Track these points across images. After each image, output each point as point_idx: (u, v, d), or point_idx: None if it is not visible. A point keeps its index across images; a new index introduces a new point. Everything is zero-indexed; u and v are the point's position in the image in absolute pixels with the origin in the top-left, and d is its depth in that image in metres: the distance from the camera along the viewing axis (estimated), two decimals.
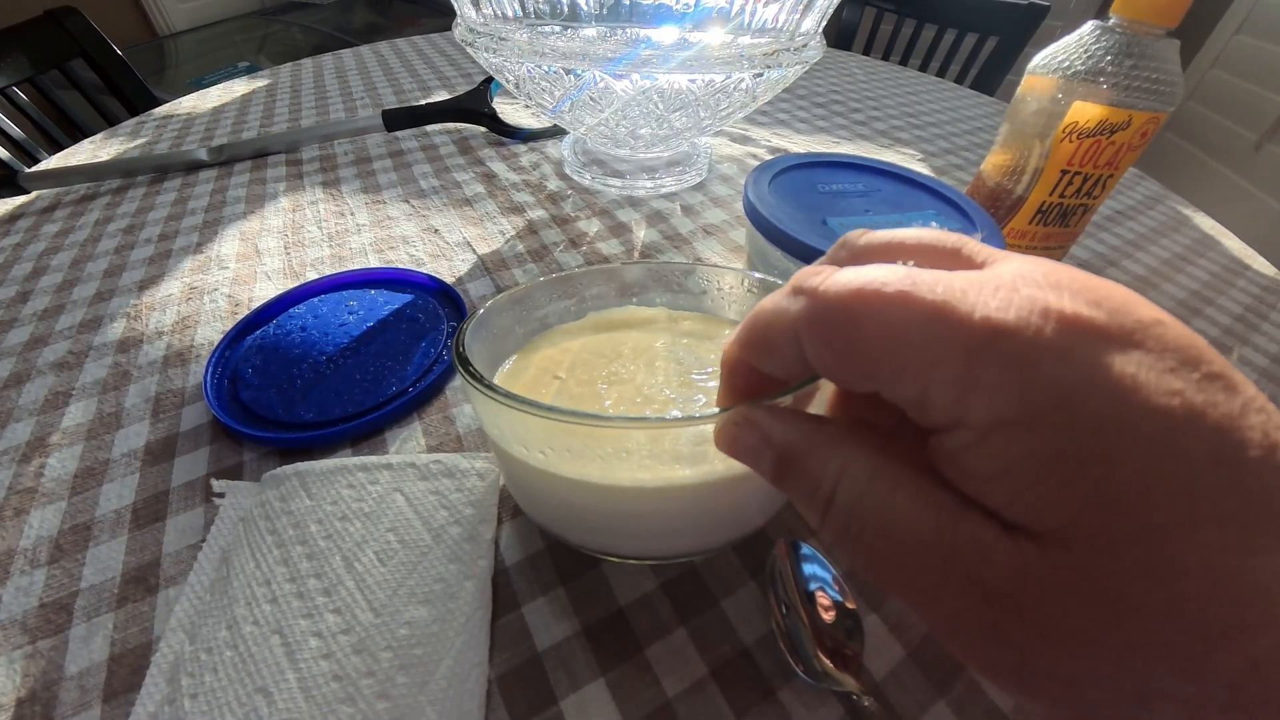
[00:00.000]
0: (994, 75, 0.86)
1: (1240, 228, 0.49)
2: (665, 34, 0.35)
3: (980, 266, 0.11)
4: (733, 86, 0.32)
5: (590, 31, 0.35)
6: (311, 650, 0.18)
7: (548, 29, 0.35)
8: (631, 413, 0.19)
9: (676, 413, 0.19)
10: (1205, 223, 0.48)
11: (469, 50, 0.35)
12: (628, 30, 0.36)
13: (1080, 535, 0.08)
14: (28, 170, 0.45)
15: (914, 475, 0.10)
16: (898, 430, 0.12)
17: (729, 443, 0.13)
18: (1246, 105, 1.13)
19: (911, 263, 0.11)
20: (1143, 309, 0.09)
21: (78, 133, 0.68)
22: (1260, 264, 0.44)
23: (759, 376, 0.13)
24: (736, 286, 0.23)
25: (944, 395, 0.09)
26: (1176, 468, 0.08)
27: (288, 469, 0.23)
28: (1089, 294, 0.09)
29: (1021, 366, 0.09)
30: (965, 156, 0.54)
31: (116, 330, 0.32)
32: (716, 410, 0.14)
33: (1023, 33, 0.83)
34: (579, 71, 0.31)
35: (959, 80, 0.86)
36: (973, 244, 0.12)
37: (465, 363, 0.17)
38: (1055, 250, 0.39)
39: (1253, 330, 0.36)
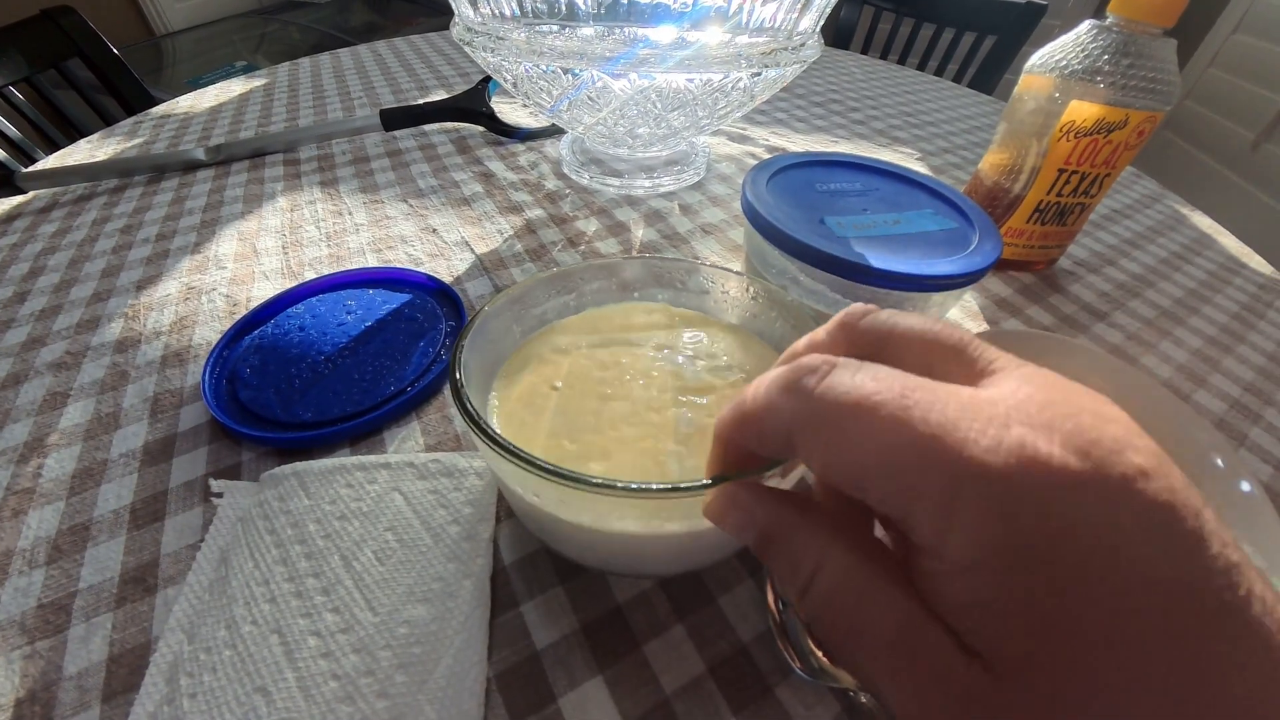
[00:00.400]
0: (992, 74, 0.86)
1: (1237, 226, 0.50)
2: (663, 33, 0.35)
3: (980, 374, 0.11)
4: (731, 86, 0.32)
5: (588, 30, 0.35)
6: (310, 649, 0.18)
7: (545, 28, 0.35)
8: (628, 436, 0.19)
9: (673, 467, 0.19)
10: (1202, 221, 0.49)
11: (467, 50, 0.35)
12: (625, 30, 0.36)
13: (1037, 676, 0.09)
14: (24, 170, 0.45)
15: (886, 578, 0.11)
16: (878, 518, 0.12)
17: (716, 516, 0.13)
18: (1244, 104, 1.13)
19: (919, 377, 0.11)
20: (1131, 456, 0.09)
21: (74, 132, 0.68)
22: (1257, 262, 0.44)
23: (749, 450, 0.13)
24: (740, 292, 0.23)
25: (926, 525, 0.10)
26: (1136, 632, 0.08)
27: (286, 469, 0.23)
28: (1080, 438, 0.09)
29: (1002, 513, 0.09)
30: (963, 155, 0.54)
31: (114, 330, 0.32)
32: (706, 483, 0.14)
33: (1020, 32, 0.83)
34: (577, 71, 0.31)
35: (956, 79, 0.86)
36: (975, 345, 0.12)
37: (463, 401, 0.17)
38: (1053, 249, 0.39)
39: (1249, 329, 0.37)
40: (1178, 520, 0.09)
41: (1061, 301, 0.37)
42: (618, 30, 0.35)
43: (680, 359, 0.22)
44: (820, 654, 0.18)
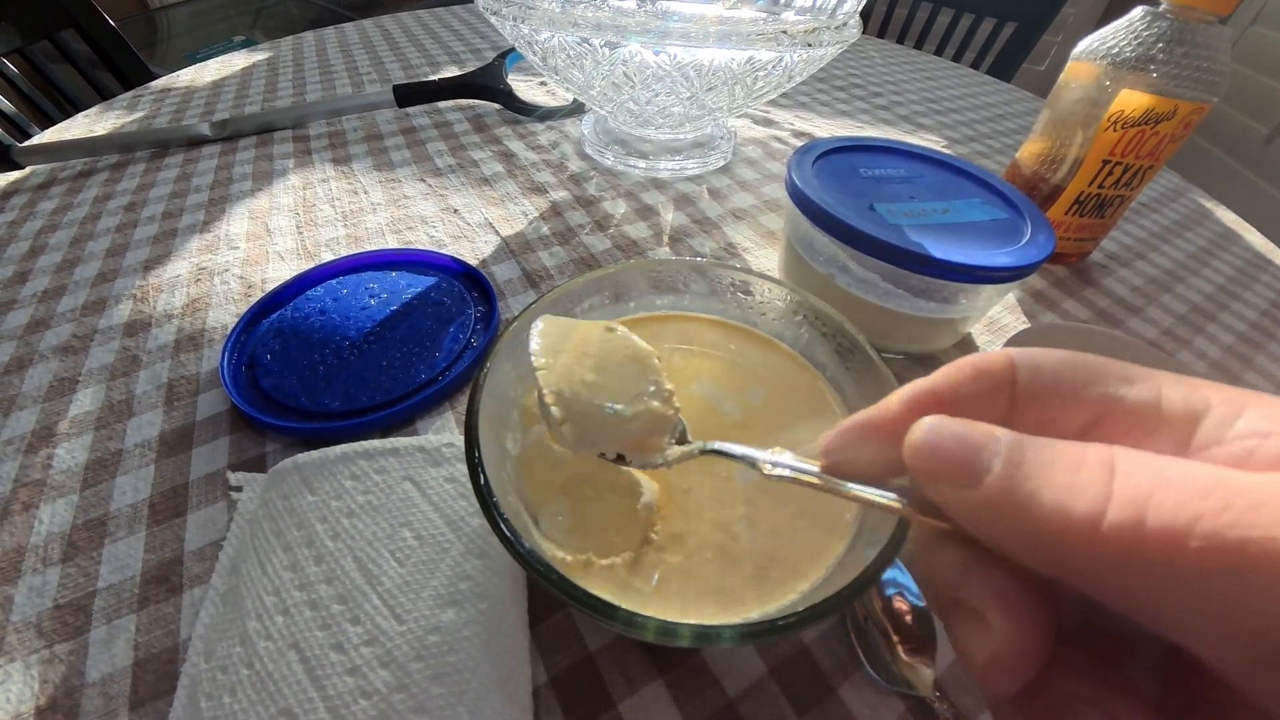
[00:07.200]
0: (1010, 62, 0.84)
1: (1250, 222, 0.49)
2: (703, 7, 0.33)
3: (1192, 422, 0.08)
4: (772, 65, 0.31)
5: (621, 3, 0.33)
6: (334, 665, 0.17)
7: None
8: (693, 506, 0.18)
9: (746, 538, 0.17)
10: (1226, 216, 0.48)
11: (493, 20, 0.33)
12: (659, 4, 0.34)
13: None
14: (21, 145, 0.43)
15: None
16: None
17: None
18: (1259, 98, 1.10)
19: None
20: None
21: (70, 108, 0.66)
22: None
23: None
24: (784, 307, 0.22)
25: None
26: None
27: (287, 462, 0.22)
28: None
29: None
30: (989, 144, 0.53)
31: (123, 313, 0.31)
32: (798, 617, 0.13)
33: (1040, 18, 0.81)
34: (615, 44, 0.29)
35: (973, 66, 0.85)
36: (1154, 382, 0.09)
37: (496, 519, 0.14)
38: (1088, 241, 0.38)
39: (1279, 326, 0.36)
40: None
41: (1096, 295, 0.37)
42: (654, 3, 0.34)
43: (710, 388, 0.20)
44: (904, 661, 0.17)
